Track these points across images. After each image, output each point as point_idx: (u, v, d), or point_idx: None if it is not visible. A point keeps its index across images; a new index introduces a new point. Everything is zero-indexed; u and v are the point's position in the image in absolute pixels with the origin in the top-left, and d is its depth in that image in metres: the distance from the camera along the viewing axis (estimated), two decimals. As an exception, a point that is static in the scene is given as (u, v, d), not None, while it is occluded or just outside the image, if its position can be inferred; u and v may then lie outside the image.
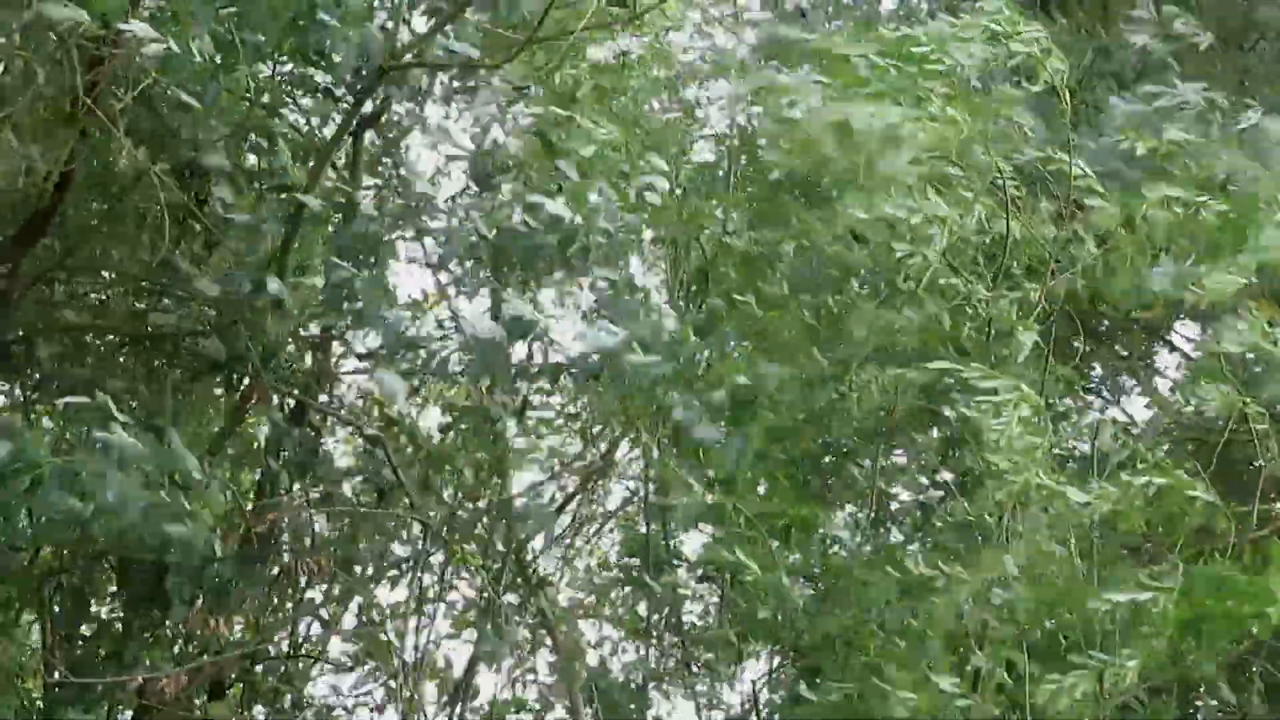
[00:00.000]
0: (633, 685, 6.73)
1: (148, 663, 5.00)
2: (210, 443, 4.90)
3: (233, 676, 5.83)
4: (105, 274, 5.04)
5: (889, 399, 4.72)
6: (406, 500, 5.20)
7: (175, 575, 4.52)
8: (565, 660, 6.33)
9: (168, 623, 4.90)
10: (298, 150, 4.43)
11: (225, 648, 4.92)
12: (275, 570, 5.16)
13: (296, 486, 5.13)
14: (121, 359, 5.12)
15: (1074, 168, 3.92)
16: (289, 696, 6.19)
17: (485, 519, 5.74)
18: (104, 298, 5.13)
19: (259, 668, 5.92)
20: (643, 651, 6.94)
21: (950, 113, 3.77)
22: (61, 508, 3.74)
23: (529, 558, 6.06)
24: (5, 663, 5.53)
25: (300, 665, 6.29)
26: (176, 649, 5.03)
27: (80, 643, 5.55)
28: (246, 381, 4.85)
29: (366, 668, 6.34)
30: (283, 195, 4.31)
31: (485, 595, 5.34)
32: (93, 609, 5.67)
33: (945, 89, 3.81)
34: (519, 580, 5.82)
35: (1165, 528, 4.31)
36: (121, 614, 5.36)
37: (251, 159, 4.59)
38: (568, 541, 7.36)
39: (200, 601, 4.61)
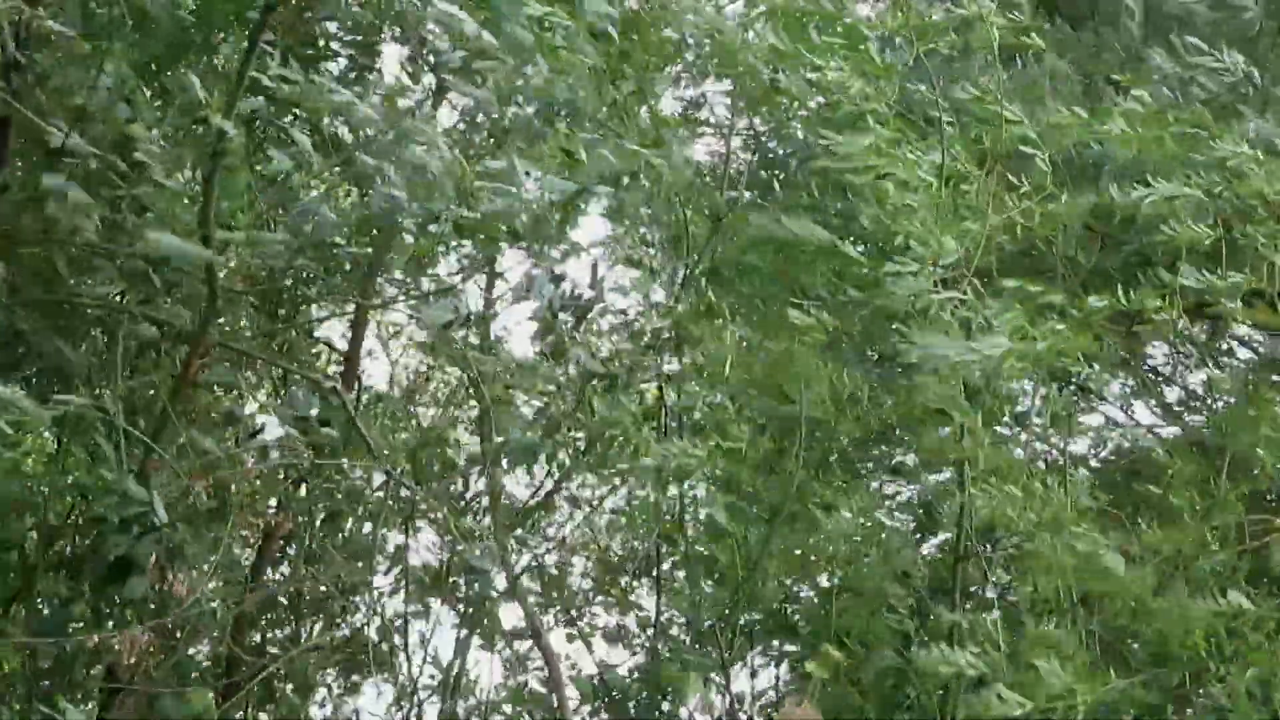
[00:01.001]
0: (639, 679, 6.61)
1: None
2: (159, 413, 4.87)
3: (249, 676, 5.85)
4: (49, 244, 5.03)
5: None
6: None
7: (115, 537, 4.50)
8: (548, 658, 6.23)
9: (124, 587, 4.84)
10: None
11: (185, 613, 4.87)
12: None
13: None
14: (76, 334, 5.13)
15: (1005, 111, 3.82)
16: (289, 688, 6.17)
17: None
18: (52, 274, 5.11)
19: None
20: (648, 645, 6.81)
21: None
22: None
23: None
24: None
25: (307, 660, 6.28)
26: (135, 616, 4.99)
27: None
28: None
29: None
30: (197, 126, 4.26)
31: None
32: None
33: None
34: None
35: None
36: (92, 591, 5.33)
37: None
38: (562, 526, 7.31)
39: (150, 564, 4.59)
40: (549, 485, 7.03)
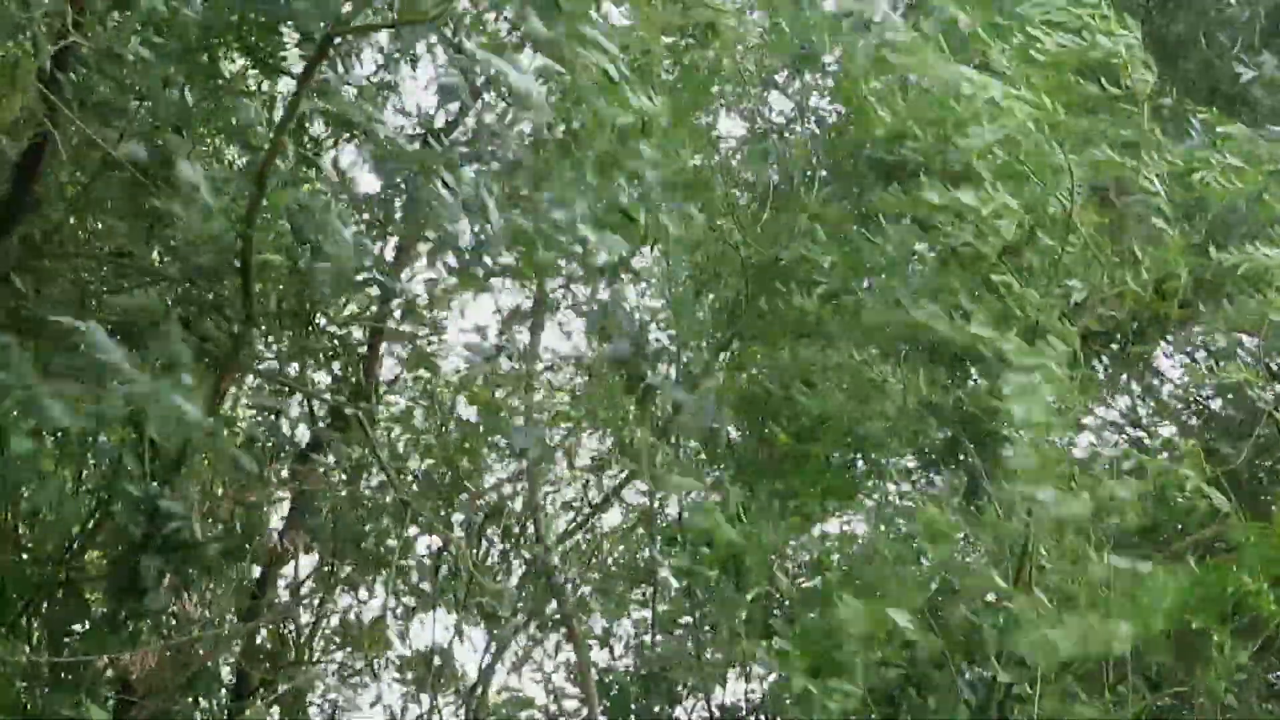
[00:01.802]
0: (644, 680, 6.67)
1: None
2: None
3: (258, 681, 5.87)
4: (82, 259, 4.99)
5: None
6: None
7: (147, 557, 4.50)
8: (579, 653, 6.27)
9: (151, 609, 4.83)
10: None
11: (203, 630, 4.86)
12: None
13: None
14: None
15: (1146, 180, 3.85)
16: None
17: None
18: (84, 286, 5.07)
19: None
20: (655, 646, 6.86)
21: (1045, 99, 3.68)
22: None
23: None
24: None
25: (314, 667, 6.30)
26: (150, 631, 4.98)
27: (71, 638, 5.56)
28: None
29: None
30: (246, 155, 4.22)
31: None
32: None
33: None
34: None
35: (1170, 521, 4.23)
36: (106, 606, 5.31)
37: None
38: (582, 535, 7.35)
39: (167, 581, 4.59)
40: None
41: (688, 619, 6.81)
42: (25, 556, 5.40)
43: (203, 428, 3.86)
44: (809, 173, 5.85)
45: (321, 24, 3.95)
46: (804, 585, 6.36)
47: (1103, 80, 3.81)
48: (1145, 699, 4.34)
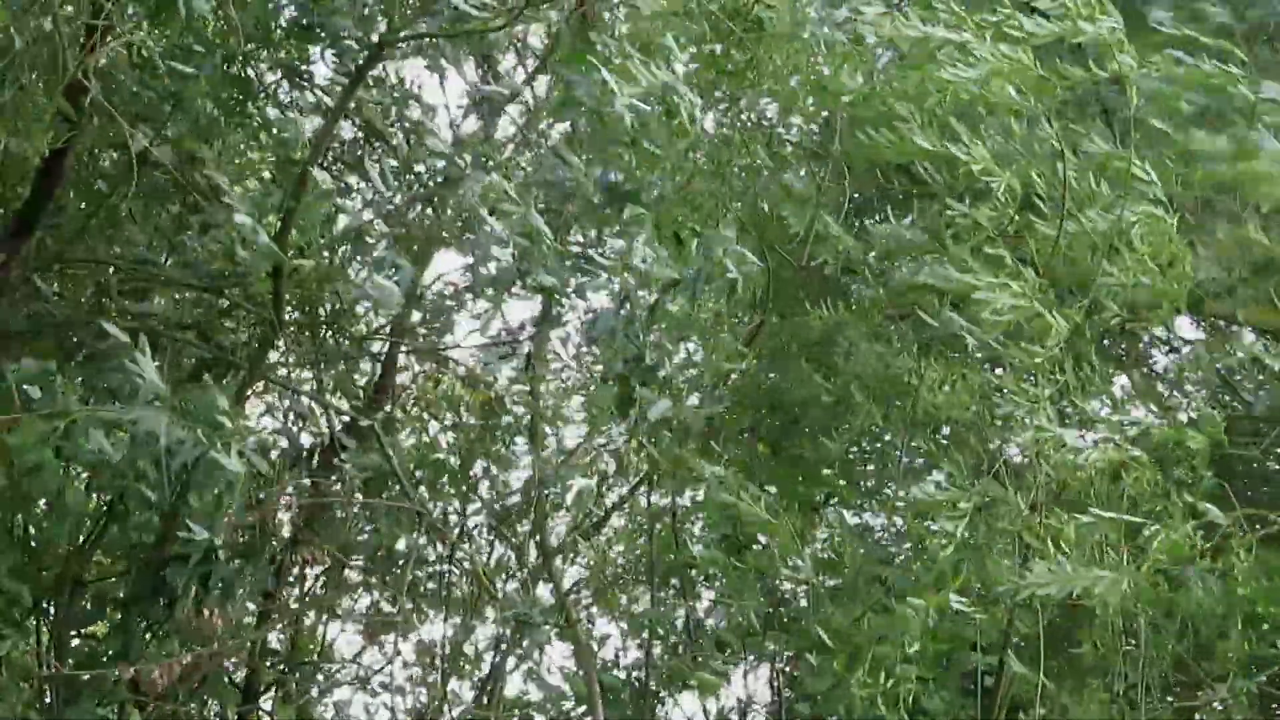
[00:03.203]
0: (638, 682, 6.69)
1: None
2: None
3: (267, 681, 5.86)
4: (103, 265, 4.95)
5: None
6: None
7: (174, 565, 4.48)
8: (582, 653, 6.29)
9: (173, 615, 4.82)
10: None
11: (224, 642, 4.85)
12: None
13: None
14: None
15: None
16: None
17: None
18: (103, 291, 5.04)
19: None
20: (649, 648, 6.89)
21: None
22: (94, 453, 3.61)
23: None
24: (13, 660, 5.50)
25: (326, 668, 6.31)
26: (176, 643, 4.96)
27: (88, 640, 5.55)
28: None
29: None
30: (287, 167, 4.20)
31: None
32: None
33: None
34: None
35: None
36: (125, 609, 5.28)
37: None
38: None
39: (196, 593, 4.57)
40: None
41: (684, 620, 6.87)
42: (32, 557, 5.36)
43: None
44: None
45: (355, 39, 3.95)
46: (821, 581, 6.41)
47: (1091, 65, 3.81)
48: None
